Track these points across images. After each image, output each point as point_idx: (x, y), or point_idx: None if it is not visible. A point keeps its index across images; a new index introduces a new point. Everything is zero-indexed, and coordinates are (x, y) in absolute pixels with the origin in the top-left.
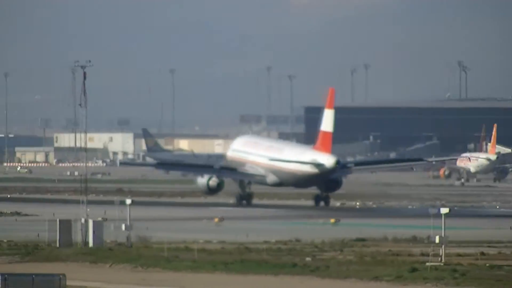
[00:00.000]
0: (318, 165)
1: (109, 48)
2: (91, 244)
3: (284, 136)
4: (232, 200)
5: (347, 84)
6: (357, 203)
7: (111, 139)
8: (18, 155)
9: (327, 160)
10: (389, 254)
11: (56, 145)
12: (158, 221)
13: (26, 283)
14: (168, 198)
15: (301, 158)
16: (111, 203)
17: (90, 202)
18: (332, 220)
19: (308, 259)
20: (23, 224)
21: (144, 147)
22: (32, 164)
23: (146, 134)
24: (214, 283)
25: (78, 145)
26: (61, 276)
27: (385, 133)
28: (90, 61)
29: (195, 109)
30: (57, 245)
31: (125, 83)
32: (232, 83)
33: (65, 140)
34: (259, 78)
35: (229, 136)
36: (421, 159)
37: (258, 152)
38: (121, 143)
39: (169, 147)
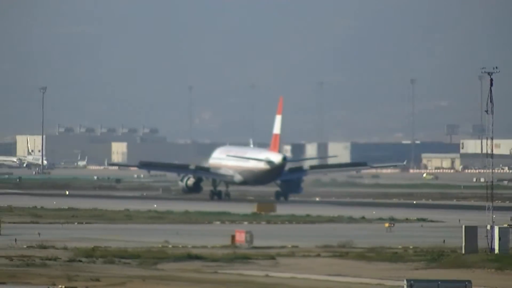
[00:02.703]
0: (269, 162)
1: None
2: (497, 250)
3: None
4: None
5: None
6: None
7: None
8: (424, 161)
9: (276, 157)
10: None
11: (462, 151)
12: None
13: None
14: None
15: (257, 156)
16: None
17: (496, 209)
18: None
19: None
20: (429, 230)
21: None
22: (438, 171)
23: None
24: None
25: (484, 151)
26: (466, 282)
27: None
28: (496, 68)
29: None
30: (462, 251)
31: None
32: None
33: (471, 146)
34: None
35: None
36: (365, 164)
37: (229, 157)
38: None
39: None
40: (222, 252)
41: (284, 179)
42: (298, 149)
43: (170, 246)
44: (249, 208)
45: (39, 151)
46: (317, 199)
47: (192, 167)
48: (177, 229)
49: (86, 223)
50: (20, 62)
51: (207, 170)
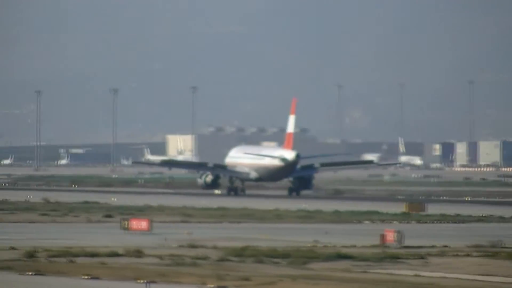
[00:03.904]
0: (283, 159)
1: None
2: None
3: None
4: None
5: None
6: None
7: None
8: None
9: (289, 154)
10: None
11: None
12: None
13: None
14: None
15: (271, 154)
16: None
17: None
18: None
19: None
20: None
21: None
22: None
23: None
24: None
25: None
26: None
27: None
28: None
29: None
30: None
31: None
32: None
33: None
34: None
35: None
36: (371, 162)
37: (245, 156)
38: None
39: None
40: (372, 251)
41: (297, 176)
42: (448, 148)
43: (319, 245)
44: (399, 208)
45: (189, 150)
46: (466, 198)
47: (210, 165)
48: (326, 228)
49: (236, 222)
50: (171, 62)
51: (224, 168)
